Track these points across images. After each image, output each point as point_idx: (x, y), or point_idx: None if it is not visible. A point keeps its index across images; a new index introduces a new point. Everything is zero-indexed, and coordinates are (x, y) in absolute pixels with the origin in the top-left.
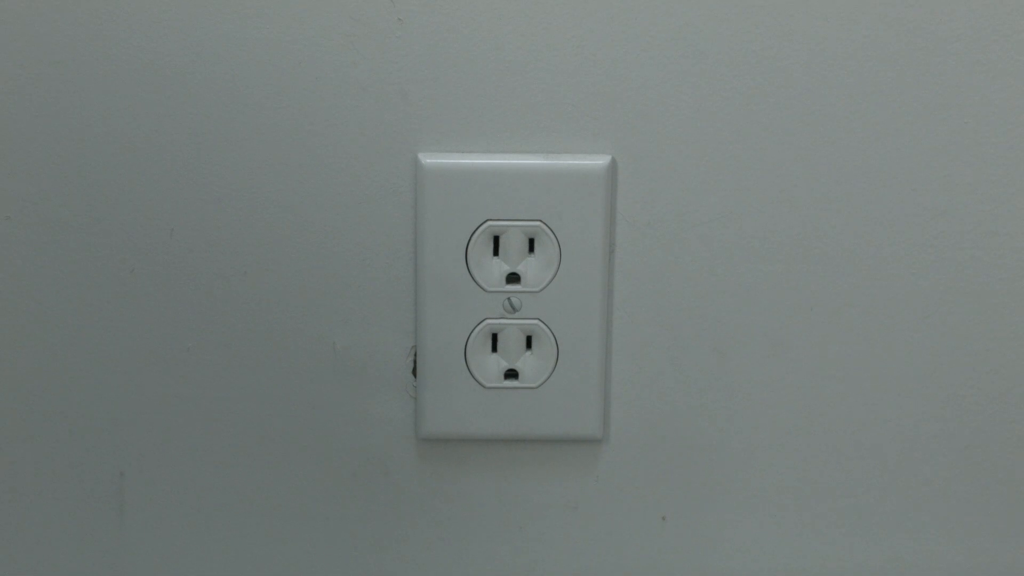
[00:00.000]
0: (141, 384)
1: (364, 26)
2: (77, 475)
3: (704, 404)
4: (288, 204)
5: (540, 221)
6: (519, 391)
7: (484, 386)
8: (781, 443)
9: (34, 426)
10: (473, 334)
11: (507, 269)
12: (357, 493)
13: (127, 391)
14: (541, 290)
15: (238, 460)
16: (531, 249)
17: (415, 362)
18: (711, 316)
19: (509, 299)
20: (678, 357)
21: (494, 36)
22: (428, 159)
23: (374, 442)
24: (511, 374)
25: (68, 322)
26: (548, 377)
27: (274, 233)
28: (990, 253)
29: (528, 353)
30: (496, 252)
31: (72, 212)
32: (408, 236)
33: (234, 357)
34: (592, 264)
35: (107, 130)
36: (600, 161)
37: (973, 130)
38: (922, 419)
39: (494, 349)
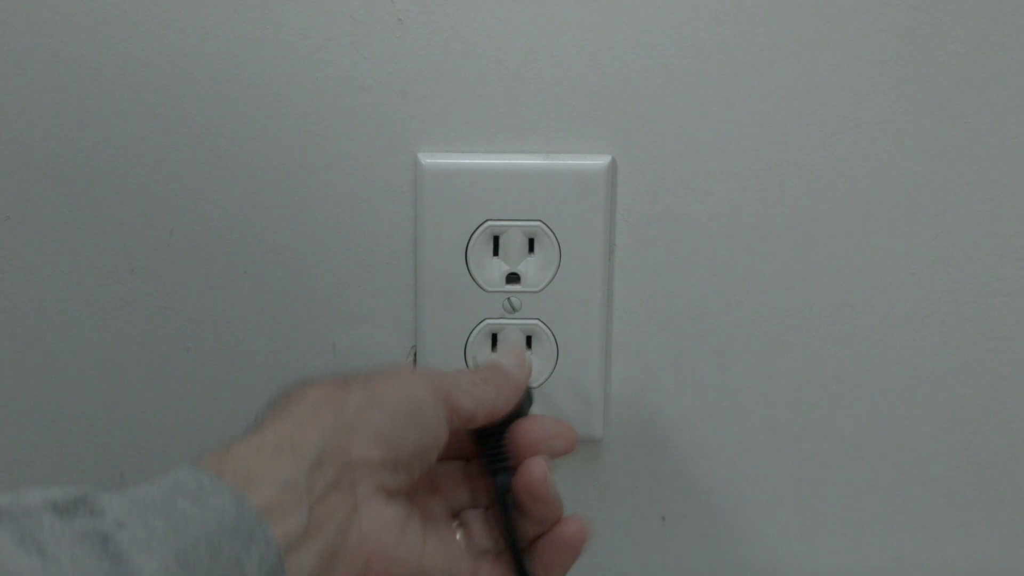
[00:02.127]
0: (141, 384)
1: (364, 26)
2: (77, 475)
3: (704, 404)
4: (288, 204)
5: (540, 221)
6: None
7: None
8: (781, 443)
9: (34, 426)
10: (473, 334)
11: (507, 269)
12: None
13: (127, 391)
14: (541, 290)
15: None
16: (531, 249)
17: (415, 362)
18: (711, 316)
19: (509, 299)
20: (678, 357)
21: (494, 36)
22: (428, 159)
23: None
24: None
25: (68, 322)
26: (548, 377)
27: (274, 233)
28: (990, 253)
29: (528, 353)
30: (496, 252)
31: (72, 212)
32: (408, 236)
33: (234, 357)
34: (592, 264)
35: (107, 130)
36: (600, 161)
37: (973, 130)
38: (922, 419)
39: (494, 349)
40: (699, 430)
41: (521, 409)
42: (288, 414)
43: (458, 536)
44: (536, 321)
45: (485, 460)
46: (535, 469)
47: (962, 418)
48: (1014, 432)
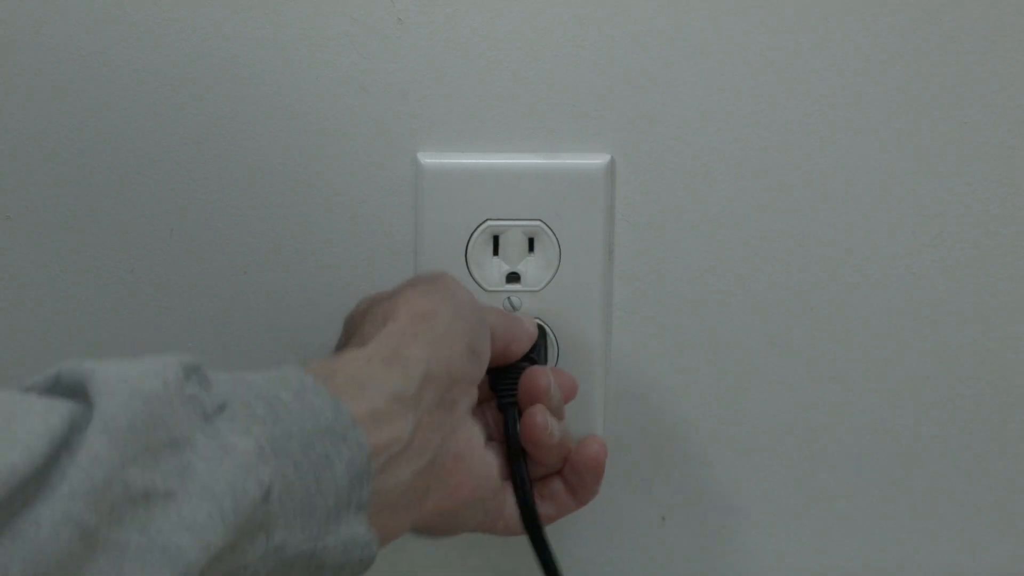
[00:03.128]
0: None
1: (364, 26)
2: None
3: (704, 404)
4: (288, 204)
5: (540, 221)
6: None
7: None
8: (781, 443)
9: None
10: None
11: (507, 269)
12: None
13: None
14: (541, 290)
15: None
16: (531, 249)
17: None
18: (711, 316)
19: (509, 299)
20: (678, 357)
21: (494, 36)
22: (428, 159)
23: None
24: None
25: (68, 322)
26: None
27: (274, 233)
28: (990, 253)
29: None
30: (496, 252)
31: (72, 212)
32: (408, 236)
33: (234, 357)
34: (592, 264)
35: (107, 130)
36: (599, 161)
37: (973, 130)
38: (922, 419)
39: None
40: (699, 430)
41: (536, 352)
42: (388, 332)
43: None
44: (539, 321)
45: (498, 396)
46: (536, 417)
47: (962, 418)
48: (1014, 432)
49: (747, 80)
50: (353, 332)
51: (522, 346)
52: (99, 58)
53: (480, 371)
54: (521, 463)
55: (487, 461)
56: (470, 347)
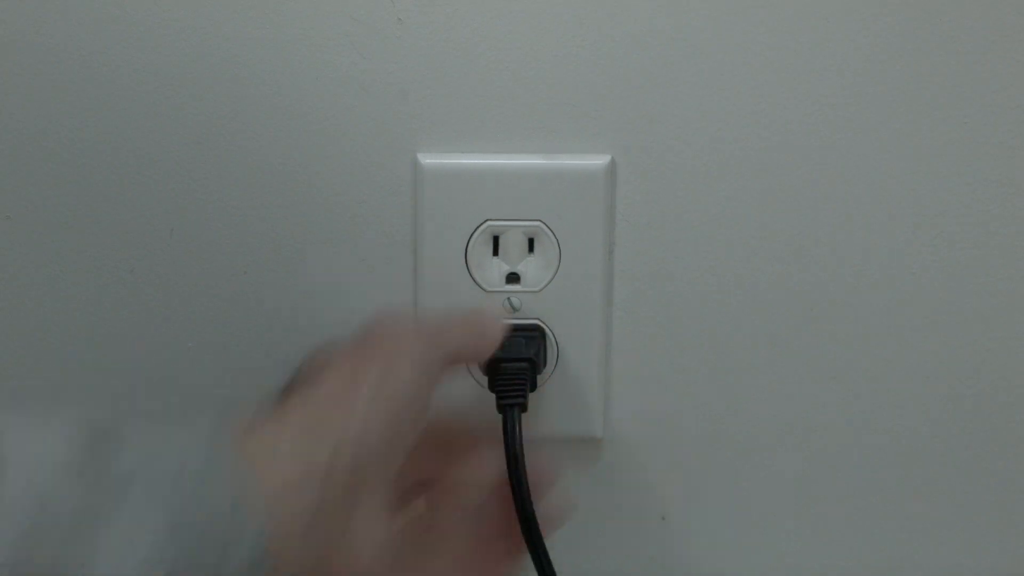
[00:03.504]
0: (141, 384)
1: (364, 26)
2: None
3: (704, 404)
4: (288, 204)
5: (540, 221)
6: None
7: (484, 386)
8: (781, 443)
9: None
10: None
11: (507, 269)
12: None
13: (127, 391)
14: (541, 290)
15: None
16: (531, 249)
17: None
18: (711, 316)
19: (509, 299)
20: (678, 357)
21: (494, 36)
22: (427, 159)
23: None
24: None
25: (68, 322)
26: (548, 377)
27: (274, 233)
28: (990, 253)
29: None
30: (496, 252)
31: (72, 212)
32: (408, 236)
33: (234, 357)
34: (592, 264)
35: (107, 130)
36: (600, 161)
37: (973, 130)
38: (922, 419)
39: None
40: (699, 430)
41: (536, 354)
42: (310, 397)
43: (419, 507)
44: (536, 321)
45: (497, 398)
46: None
47: (962, 418)
48: (1014, 432)
49: (747, 80)
50: (295, 381)
51: (484, 350)
52: (99, 58)
53: (402, 442)
54: (520, 466)
55: (385, 548)
56: (391, 419)
